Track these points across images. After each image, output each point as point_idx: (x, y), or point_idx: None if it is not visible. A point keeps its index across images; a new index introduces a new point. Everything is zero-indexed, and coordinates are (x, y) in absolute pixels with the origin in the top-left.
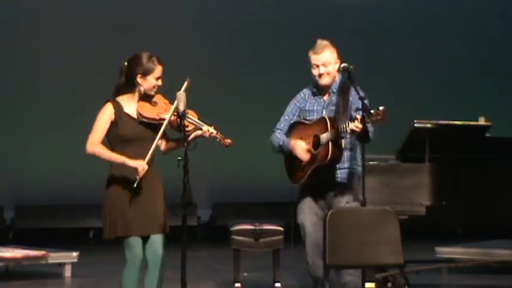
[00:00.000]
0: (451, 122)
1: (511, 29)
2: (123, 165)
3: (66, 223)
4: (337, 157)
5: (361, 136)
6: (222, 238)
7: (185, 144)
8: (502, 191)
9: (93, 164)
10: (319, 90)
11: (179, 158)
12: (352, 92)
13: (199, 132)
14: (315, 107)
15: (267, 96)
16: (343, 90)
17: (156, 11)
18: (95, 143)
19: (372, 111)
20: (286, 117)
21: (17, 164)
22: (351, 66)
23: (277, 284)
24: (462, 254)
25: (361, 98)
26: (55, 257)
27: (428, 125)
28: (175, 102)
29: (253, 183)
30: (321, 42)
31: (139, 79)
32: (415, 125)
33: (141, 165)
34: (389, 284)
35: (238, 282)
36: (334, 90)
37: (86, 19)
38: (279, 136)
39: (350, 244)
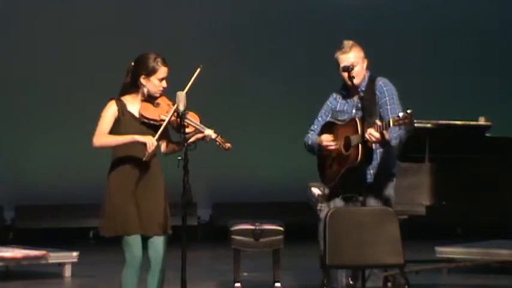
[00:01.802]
0: (451, 122)
1: (511, 29)
2: (133, 143)
3: (66, 223)
4: (367, 159)
5: (381, 144)
6: (222, 238)
7: (185, 144)
8: (502, 190)
9: (93, 164)
10: (348, 91)
11: (179, 158)
12: (377, 85)
13: (199, 135)
14: (345, 108)
15: (267, 96)
16: (369, 88)
17: (156, 11)
18: (100, 135)
19: (400, 114)
20: (320, 118)
21: (17, 164)
22: (351, 66)
23: (277, 284)
24: (462, 254)
25: (361, 98)
26: (55, 257)
27: (428, 125)
28: (176, 102)
29: (253, 183)
30: (348, 43)
31: (142, 80)
32: (415, 125)
33: (150, 140)
34: (389, 284)
35: (238, 282)
36: (364, 89)
37: (86, 19)
38: (310, 137)
39: (350, 244)
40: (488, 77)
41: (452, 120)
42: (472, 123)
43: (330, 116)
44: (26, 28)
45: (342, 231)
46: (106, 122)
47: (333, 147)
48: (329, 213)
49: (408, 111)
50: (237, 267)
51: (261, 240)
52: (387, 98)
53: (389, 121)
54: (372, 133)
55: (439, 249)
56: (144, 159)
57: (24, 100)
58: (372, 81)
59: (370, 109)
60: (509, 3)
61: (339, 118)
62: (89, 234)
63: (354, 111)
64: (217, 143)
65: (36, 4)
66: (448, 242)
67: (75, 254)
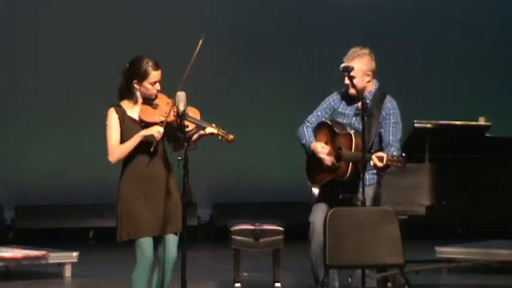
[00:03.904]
0: (451, 122)
1: (511, 29)
2: (143, 139)
3: (66, 223)
4: (354, 177)
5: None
6: (222, 238)
7: (185, 144)
8: (502, 190)
9: (93, 164)
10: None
11: (179, 158)
12: (386, 105)
13: (202, 132)
14: (347, 111)
15: (267, 96)
16: (376, 104)
17: (156, 11)
18: (113, 150)
19: (395, 152)
20: (319, 112)
21: (17, 164)
22: (351, 66)
23: (277, 284)
24: (462, 254)
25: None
26: (55, 257)
27: (428, 125)
28: (176, 102)
29: (253, 183)
30: (353, 52)
31: (135, 85)
32: (415, 125)
33: (156, 130)
34: (389, 284)
35: (238, 282)
36: (368, 101)
37: (86, 19)
38: (305, 132)
39: (350, 244)
40: (488, 77)
41: (452, 120)
42: (472, 123)
43: (329, 113)
44: (26, 28)
45: (342, 231)
46: (113, 133)
47: (329, 162)
48: (329, 214)
49: (403, 154)
50: (237, 267)
51: (261, 240)
52: (392, 121)
53: (383, 158)
54: (377, 163)
55: (439, 249)
56: (151, 149)
57: (24, 100)
58: (380, 99)
59: (370, 126)
60: (509, 3)
61: (338, 119)
62: (89, 234)
63: (354, 118)
64: (220, 137)
65: (36, 4)
66: (448, 242)
67: (75, 254)
